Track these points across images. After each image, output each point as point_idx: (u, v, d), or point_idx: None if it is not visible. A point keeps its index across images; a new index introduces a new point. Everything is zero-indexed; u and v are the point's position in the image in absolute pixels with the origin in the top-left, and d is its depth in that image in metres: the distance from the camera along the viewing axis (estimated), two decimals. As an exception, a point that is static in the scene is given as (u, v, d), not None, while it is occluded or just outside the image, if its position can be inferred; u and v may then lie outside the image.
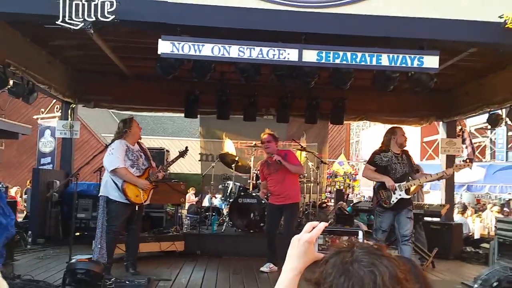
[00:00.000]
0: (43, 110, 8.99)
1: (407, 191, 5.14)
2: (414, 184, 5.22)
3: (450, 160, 8.46)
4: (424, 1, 4.64)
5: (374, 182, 5.36)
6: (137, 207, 5.13)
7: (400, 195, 5.10)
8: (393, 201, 5.10)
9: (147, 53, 5.81)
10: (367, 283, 0.88)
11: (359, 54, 4.53)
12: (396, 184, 5.11)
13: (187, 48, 4.41)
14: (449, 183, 8.36)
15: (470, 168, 5.90)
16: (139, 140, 5.44)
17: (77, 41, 5.97)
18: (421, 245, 6.43)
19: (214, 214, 7.64)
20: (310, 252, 1.12)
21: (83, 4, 4.18)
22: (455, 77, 7.27)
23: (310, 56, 4.48)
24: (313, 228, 1.14)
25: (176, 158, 5.60)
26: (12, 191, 15.22)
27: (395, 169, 5.18)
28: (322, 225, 1.14)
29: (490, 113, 7.23)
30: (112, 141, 5.22)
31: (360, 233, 1.13)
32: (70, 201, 6.79)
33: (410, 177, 5.19)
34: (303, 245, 1.11)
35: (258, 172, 6.55)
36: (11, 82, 5.88)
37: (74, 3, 4.18)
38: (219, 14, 4.46)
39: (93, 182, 7.51)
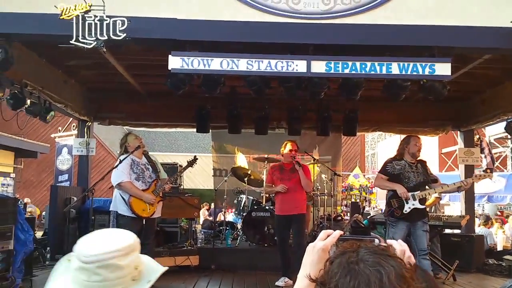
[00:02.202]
0: (60, 128, 9.18)
1: (422, 201, 4.98)
2: (430, 194, 5.09)
3: (469, 170, 8.28)
4: (433, 8, 4.62)
5: (387, 192, 5.25)
6: (145, 221, 5.13)
7: (413, 204, 4.94)
8: (405, 211, 4.94)
9: (159, 70, 5.89)
10: (373, 281, 0.87)
11: (369, 64, 4.51)
12: (410, 193, 4.95)
13: (196, 63, 4.48)
14: (469, 194, 8.17)
15: (491, 179, 5.75)
16: (148, 153, 5.46)
17: (91, 61, 6.12)
18: (436, 255, 6.27)
19: (228, 228, 7.61)
20: (325, 260, 1.11)
21: (95, 24, 4.31)
22: (471, 85, 7.17)
23: (319, 67, 4.48)
24: (328, 235, 1.14)
25: (185, 168, 5.60)
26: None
27: (408, 178, 5.03)
28: (337, 233, 1.14)
29: (508, 121, 7.08)
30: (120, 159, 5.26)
31: (376, 241, 1.10)
32: (87, 217, 6.86)
33: (427, 187, 5.07)
34: (317, 253, 1.11)
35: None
36: (28, 101, 6.03)
37: (87, 22, 4.30)
38: (227, 29, 4.52)
39: (109, 198, 7.57)
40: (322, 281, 0.95)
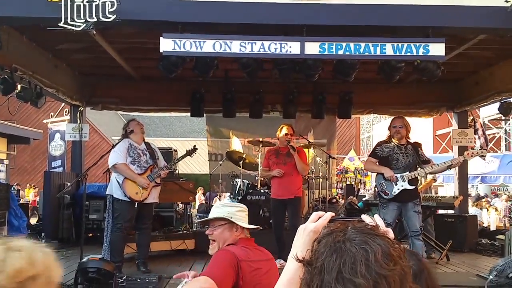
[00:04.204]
0: (52, 114, 9.09)
1: (411, 182, 5.00)
2: (419, 174, 5.11)
3: (463, 151, 8.31)
4: (427, -12, 4.57)
5: (376, 174, 5.28)
6: (137, 204, 5.14)
7: (402, 185, 4.96)
8: (394, 192, 4.97)
9: (151, 54, 5.83)
10: (359, 260, 0.87)
11: (363, 45, 4.47)
12: (398, 175, 4.97)
13: (188, 45, 4.41)
14: (462, 175, 8.22)
15: (483, 158, 5.77)
16: (148, 141, 5.50)
17: (83, 44, 6.02)
18: (430, 235, 6.33)
19: (223, 212, 7.62)
20: None
21: (84, 5, 4.22)
22: (465, 66, 7.15)
23: (313, 48, 4.43)
24: (319, 217, 1.12)
25: (183, 156, 5.60)
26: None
27: (397, 160, 5.04)
28: (329, 214, 1.13)
29: (502, 101, 7.08)
30: (118, 142, 5.31)
31: (363, 216, 1.09)
32: (82, 203, 6.86)
33: (418, 168, 5.08)
34: (308, 235, 1.10)
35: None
36: (18, 86, 5.95)
37: (75, 4, 4.21)
38: (219, 10, 4.45)
39: (103, 183, 7.56)
40: (308, 261, 0.94)
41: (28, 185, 17.83)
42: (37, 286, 1.20)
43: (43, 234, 6.89)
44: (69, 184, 7.24)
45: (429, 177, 6.75)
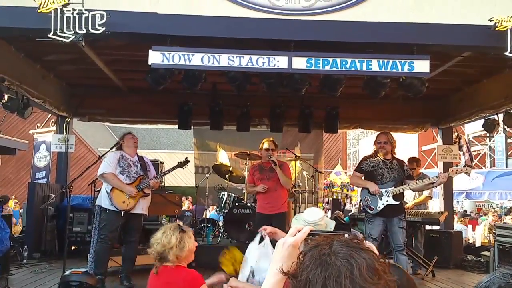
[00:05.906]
0: (38, 124, 9.00)
1: (396, 198, 5.02)
2: (403, 190, 5.14)
3: (448, 167, 8.42)
4: (412, 5, 4.67)
5: (361, 189, 5.30)
6: (124, 215, 5.11)
7: (387, 201, 4.98)
8: (379, 207, 4.99)
9: (140, 66, 5.83)
10: (344, 273, 0.87)
11: (349, 60, 4.54)
12: (383, 190, 5.00)
13: (177, 58, 4.44)
14: (447, 191, 8.31)
15: (468, 175, 5.80)
16: (141, 155, 5.53)
17: (71, 56, 6.01)
18: (418, 253, 6.34)
19: (209, 225, 7.57)
20: (295, 256, 1.10)
21: (74, 17, 4.23)
22: (449, 83, 7.29)
23: (300, 63, 4.49)
24: (298, 231, 1.13)
25: (173, 168, 5.54)
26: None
27: (382, 174, 5.07)
28: (307, 228, 1.13)
29: (486, 118, 7.21)
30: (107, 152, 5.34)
31: (346, 235, 1.10)
32: (66, 215, 6.76)
33: (403, 184, 5.12)
34: (287, 249, 1.10)
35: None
36: (5, 96, 5.90)
37: (65, 16, 4.21)
38: (208, 24, 4.49)
39: (88, 196, 7.46)
40: (293, 274, 0.94)
41: (14, 196, 17.48)
42: (172, 251, 2.69)
43: (25, 246, 6.75)
44: (53, 195, 7.14)
45: (425, 193, 6.77)
